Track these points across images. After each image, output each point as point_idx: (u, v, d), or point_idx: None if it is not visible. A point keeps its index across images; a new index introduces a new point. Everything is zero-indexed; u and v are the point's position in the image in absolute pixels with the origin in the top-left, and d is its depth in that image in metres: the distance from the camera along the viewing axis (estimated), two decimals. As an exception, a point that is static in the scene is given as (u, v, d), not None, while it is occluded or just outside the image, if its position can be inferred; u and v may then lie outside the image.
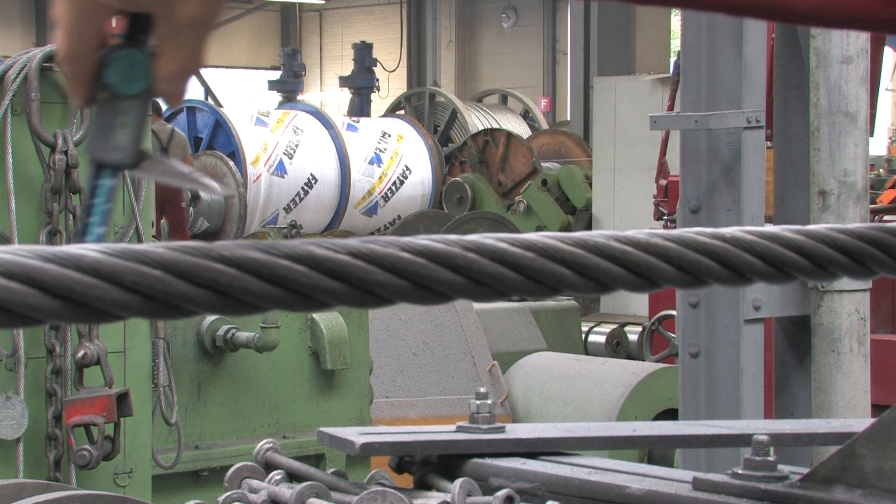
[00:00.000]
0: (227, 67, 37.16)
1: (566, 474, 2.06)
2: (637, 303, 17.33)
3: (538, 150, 22.56)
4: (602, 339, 11.54)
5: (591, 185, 20.43)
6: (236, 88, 36.33)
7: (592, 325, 11.91)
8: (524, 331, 9.37)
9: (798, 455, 4.36)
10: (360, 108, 28.16)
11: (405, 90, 30.10)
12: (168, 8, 1.12)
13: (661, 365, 8.39)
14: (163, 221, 12.81)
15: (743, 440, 2.17)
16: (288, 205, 21.08)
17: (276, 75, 30.75)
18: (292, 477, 2.15)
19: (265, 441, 2.23)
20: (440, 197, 22.12)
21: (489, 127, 24.99)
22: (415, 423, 7.37)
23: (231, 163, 19.85)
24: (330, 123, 22.03)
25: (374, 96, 28.79)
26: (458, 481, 1.97)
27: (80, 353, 5.02)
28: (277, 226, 18.59)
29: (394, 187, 22.38)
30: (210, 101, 27.23)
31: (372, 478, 2.10)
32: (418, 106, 27.07)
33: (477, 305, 8.65)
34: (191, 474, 5.95)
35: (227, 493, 2.12)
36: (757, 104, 4.96)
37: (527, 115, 28.94)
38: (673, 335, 9.07)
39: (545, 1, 33.89)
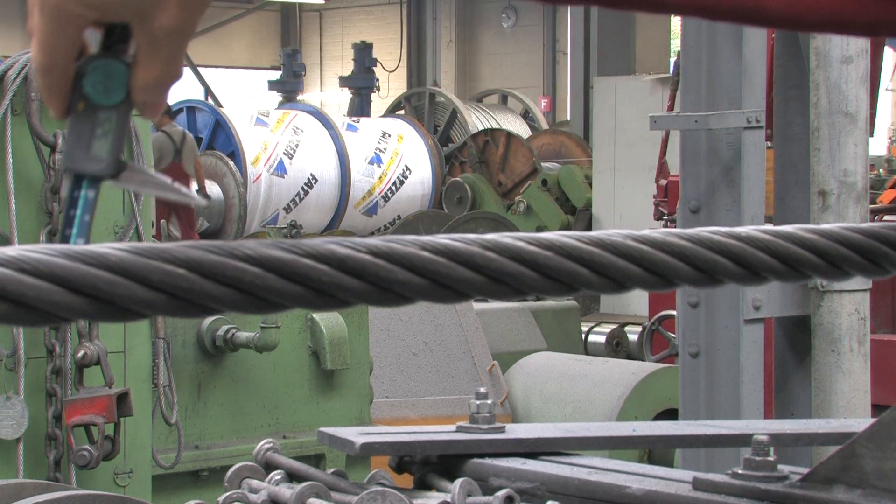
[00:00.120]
0: (227, 67, 37.16)
1: (566, 474, 2.06)
2: (637, 303, 17.33)
3: (538, 150, 22.56)
4: (602, 339, 11.54)
5: (591, 185, 20.44)
6: (236, 88, 36.33)
7: (592, 325, 11.91)
8: (524, 331, 9.37)
9: (798, 455, 4.36)
10: (360, 108, 28.16)
11: (405, 90, 30.10)
12: (145, 18, 1.11)
13: (661, 365, 8.39)
14: (162, 221, 12.81)
15: (743, 440, 2.17)
16: (288, 205, 21.08)
17: (276, 75, 30.74)
18: (292, 477, 2.15)
19: (265, 441, 2.23)
20: (440, 197, 22.12)
21: (489, 127, 24.99)
22: (415, 423, 7.37)
23: (231, 163, 19.86)
24: (330, 123, 22.03)
25: (374, 96, 28.78)
26: (458, 481, 1.97)
27: (80, 353, 5.02)
28: (277, 226, 18.60)
29: (394, 187, 22.39)
30: (210, 101, 27.24)
31: (372, 478, 2.11)
32: (418, 106, 27.07)
33: (477, 305, 8.65)
34: (191, 474, 5.95)
35: (227, 493, 2.12)
36: (757, 104, 4.96)
37: (527, 115, 28.94)
38: (673, 335, 9.06)
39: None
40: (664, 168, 13.07)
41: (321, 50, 38.28)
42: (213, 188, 19.24)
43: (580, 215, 20.47)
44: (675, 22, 22.14)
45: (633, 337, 11.44)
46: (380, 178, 22.28)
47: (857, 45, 4.91)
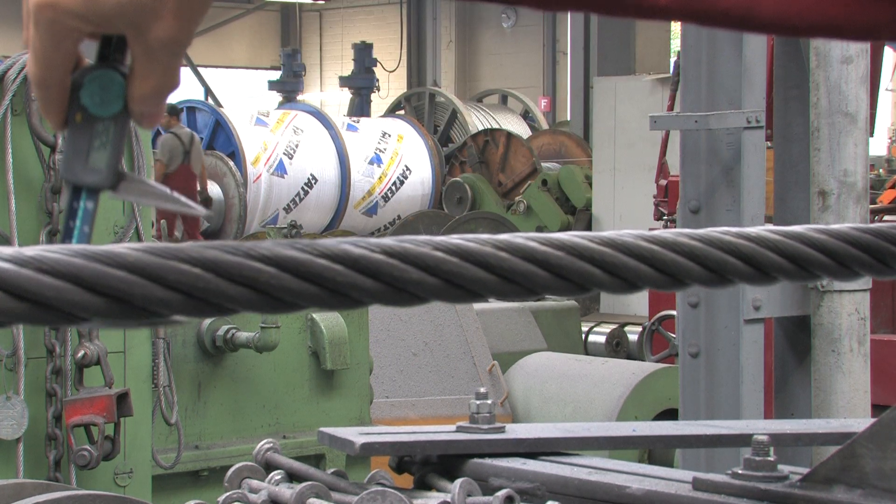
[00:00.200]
0: (227, 67, 37.17)
1: (566, 474, 2.06)
2: (637, 303, 17.33)
3: (538, 150, 22.56)
4: (602, 339, 11.55)
5: (591, 185, 20.44)
6: (236, 88, 36.33)
7: (592, 325, 11.91)
8: (524, 331, 9.37)
9: (798, 455, 4.36)
10: (360, 108, 28.16)
11: (405, 90, 30.10)
12: (141, 30, 1.11)
13: (661, 365, 8.39)
14: (162, 221, 12.82)
15: (743, 440, 2.17)
16: (288, 205, 21.08)
17: (276, 75, 30.75)
18: (292, 477, 2.15)
19: (265, 441, 2.23)
20: (440, 197, 22.13)
21: (489, 127, 25.00)
22: (415, 423, 7.37)
23: (231, 163, 19.86)
24: (330, 123, 22.03)
25: (374, 96, 28.79)
26: (458, 481, 1.97)
27: (80, 353, 5.02)
28: (277, 226, 18.59)
29: (394, 187, 22.39)
30: (210, 101, 27.24)
31: (372, 478, 2.11)
32: (418, 106, 27.07)
33: (477, 305, 8.65)
34: (191, 474, 5.95)
35: (227, 493, 2.12)
36: (757, 104, 4.96)
37: (527, 115, 28.94)
38: (673, 335, 9.07)
39: (545, 1, 33.80)
40: (664, 168, 13.07)
41: (321, 50, 38.29)
42: (213, 188, 19.25)
43: (580, 215, 20.47)
44: (675, 22, 22.09)
45: (633, 337, 11.44)
46: (380, 178, 22.28)
47: (857, 46, 4.91)
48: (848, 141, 4.93)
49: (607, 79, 20.48)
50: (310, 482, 2.05)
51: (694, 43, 5.02)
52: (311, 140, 21.57)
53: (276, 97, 29.66)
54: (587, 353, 10.57)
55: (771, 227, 1.28)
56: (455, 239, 1.13)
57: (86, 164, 1.14)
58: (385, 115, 25.65)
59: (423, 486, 2.14)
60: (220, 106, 23.96)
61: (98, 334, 5.07)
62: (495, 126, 25.51)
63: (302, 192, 21.24)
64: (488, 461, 2.14)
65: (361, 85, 28.32)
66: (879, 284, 7.38)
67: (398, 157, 22.52)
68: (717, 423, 2.38)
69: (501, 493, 1.94)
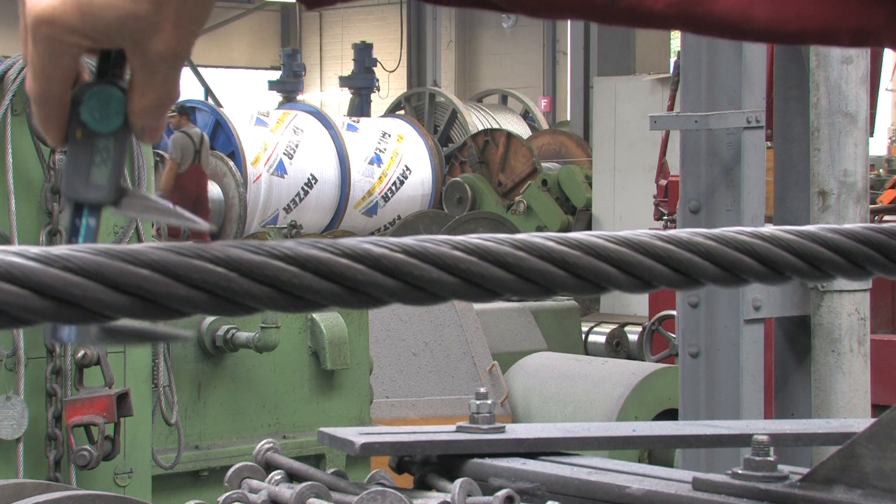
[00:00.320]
0: (227, 67, 37.17)
1: (566, 474, 2.06)
2: (637, 303, 17.33)
3: (538, 150, 22.56)
4: (602, 339, 11.55)
5: (591, 185, 20.44)
6: (236, 88, 36.33)
7: (592, 325, 11.91)
8: (524, 331, 9.37)
9: (798, 455, 4.36)
10: (360, 108, 28.16)
11: (405, 90, 30.11)
12: (140, 44, 1.10)
13: (661, 365, 8.39)
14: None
15: (743, 440, 2.17)
16: (288, 205, 21.08)
17: (276, 75, 30.75)
18: (292, 477, 2.15)
19: (265, 441, 2.23)
20: (440, 197, 22.13)
21: (489, 127, 25.00)
22: (415, 423, 7.37)
23: (231, 163, 19.86)
24: (330, 123, 22.03)
25: (374, 96, 28.79)
26: (458, 481, 1.97)
27: (80, 353, 5.02)
28: (277, 226, 18.59)
29: (394, 187, 22.39)
30: (210, 101, 27.24)
31: (372, 478, 2.11)
32: (418, 106, 27.08)
33: (477, 305, 8.65)
34: (191, 474, 5.95)
35: (227, 493, 2.12)
36: (757, 104, 4.96)
37: (527, 115, 28.94)
38: (673, 335, 9.07)
39: (545, 1, 33.78)
40: (664, 168, 13.07)
41: (321, 50, 38.29)
42: (213, 188, 19.25)
43: (580, 215, 20.47)
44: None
45: (633, 337, 11.44)
46: (380, 178, 22.28)
47: (857, 46, 4.91)
48: (848, 141, 4.93)
49: (607, 79, 20.47)
50: (310, 482, 2.05)
51: (694, 43, 5.02)
52: (311, 140, 21.57)
53: (276, 97, 29.66)
54: (587, 353, 10.57)
55: (785, 227, 1.29)
56: (474, 238, 1.15)
57: (87, 180, 1.13)
58: (385, 115, 25.65)
59: (423, 486, 2.14)
60: (220, 106, 23.96)
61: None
62: (495, 126, 25.51)
63: (302, 192, 21.24)
64: (488, 461, 2.14)
65: (361, 85, 28.32)
66: (879, 284, 7.38)
67: (398, 157, 22.52)
68: (717, 423, 2.38)
69: (501, 493, 1.94)
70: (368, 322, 6.62)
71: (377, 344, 7.72)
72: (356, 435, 2.20)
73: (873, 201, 11.30)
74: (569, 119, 26.44)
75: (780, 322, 5.20)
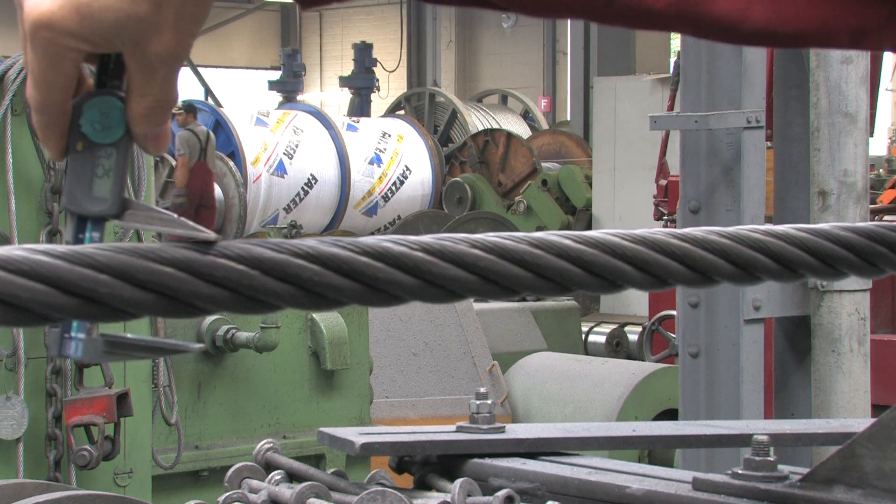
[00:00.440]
0: (227, 67, 37.16)
1: (566, 474, 2.06)
2: (637, 303, 17.33)
3: (538, 150, 22.56)
4: (602, 339, 11.54)
5: (591, 185, 20.44)
6: (236, 88, 36.33)
7: (592, 325, 11.91)
8: (524, 331, 9.37)
9: (798, 455, 4.36)
10: (360, 108, 28.16)
11: (405, 90, 30.10)
12: (139, 45, 1.09)
13: (661, 365, 8.39)
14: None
15: (743, 440, 2.17)
16: (288, 205, 21.08)
17: (276, 75, 30.75)
18: (292, 477, 2.15)
19: (265, 441, 2.23)
20: (440, 197, 22.12)
21: (489, 127, 24.99)
22: (415, 423, 7.37)
23: (231, 163, 19.85)
24: (330, 123, 22.03)
25: (374, 96, 28.78)
26: (458, 481, 1.97)
27: (80, 353, 5.02)
28: (277, 226, 18.59)
29: (394, 187, 22.39)
30: (210, 101, 27.23)
31: (372, 478, 2.10)
32: (418, 106, 27.07)
33: (477, 305, 8.65)
34: (191, 474, 5.95)
35: (227, 493, 2.12)
36: (757, 104, 4.96)
37: (527, 115, 28.94)
38: (673, 335, 9.06)
39: (545, 1, 33.75)
40: (664, 168, 13.06)
41: (321, 50, 38.29)
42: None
43: (580, 215, 20.47)
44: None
45: (633, 337, 11.44)
46: (380, 178, 22.28)
47: (857, 45, 4.91)
48: (848, 141, 4.93)
49: (607, 79, 20.47)
50: (310, 482, 2.05)
51: (694, 43, 5.02)
52: (311, 140, 21.56)
53: (276, 97, 29.66)
54: (587, 353, 10.57)
55: (798, 225, 1.30)
56: (492, 236, 1.16)
57: (89, 193, 1.12)
58: (385, 115, 25.65)
59: (423, 486, 2.14)
60: (219, 106, 23.96)
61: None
62: (495, 126, 25.51)
63: (302, 192, 21.23)
64: (488, 461, 2.14)
65: (361, 85, 28.32)
66: (879, 284, 7.38)
67: (398, 157, 22.51)
68: (717, 423, 2.38)
69: (501, 493, 1.94)
70: (368, 322, 6.62)
71: (377, 344, 7.72)
72: (356, 435, 2.20)
73: (873, 201, 11.30)
74: (569, 119, 26.44)
75: (780, 322, 5.20)
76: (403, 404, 7.89)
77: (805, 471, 1.89)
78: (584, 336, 11.25)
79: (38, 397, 5.08)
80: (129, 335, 1.14)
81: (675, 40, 20.98)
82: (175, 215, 1.15)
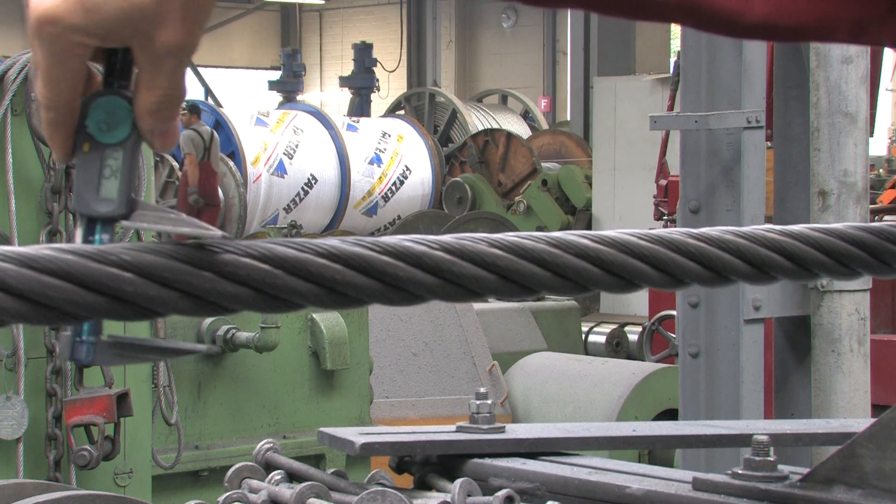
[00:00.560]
0: (227, 67, 37.16)
1: (566, 474, 2.06)
2: (637, 303, 17.33)
3: (538, 150, 22.56)
4: (602, 339, 11.54)
5: (591, 185, 20.44)
6: (236, 88, 36.33)
7: (592, 325, 11.91)
8: (524, 331, 9.37)
9: (798, 455, 4.36)
10: (360, 108, 28.16)
11: (405, 90, 30.10)
12: (147, 37, 1.08)
13: (661, 365, 8.39)
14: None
15: (743, 440, 2.17)
16: (288, 205, 21.08)
17: (276, 75, 30.75)
18: (292, 477, 2.15)
19: (265, 441, 2.22)
20: (440, 197, 22.12)
21: (489, 127, 24.99)
22: (415, 423, 7.37)
23: (231, 163, 19.85)
24: (330, 123, 22.03)
25: (374, 96, 28.79)
26: (458, 481, 1.97)
27: (80, 353, 5.02)
28: (277, 226, 18.60)
29: (394, 187, 22.38)
30: (210, 101, 27.24)
31: (372, 478, 2.10)
32: (418, 106, 27.07)
33: (477, 305, 8.65)
34: (191, 474, 5.95)
35: (227, 493, 2.12)
36: (757, 104, 4.96)
37: (527, 115, 28.94)
38: (673, 335, 9.06)
39: (545, 1, 33.76)
40: (664, 168, 13.06)
41: (321, 50, 38.29)
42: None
43: (580, 215, 20.47)
44: (672, 23, 22.05)
45: (633, 337, 11.44)
46: (380, 178, 22.28)
47: (857, 45, 4.91)
48: (848, 141, 4.92)
49: (607, 79, 20.47)
50: (310, 482, 2.05)
51: (694, 43, 5.02)
52: (311, 140, 21.56)
53: (276, 97, 29.67)
54: (587, 353, 10.57)
55: (812, 225, 1.31)
56: (511, 236, 1.17)
57: (97, 194, 1.11)
58: (385, 115, 25.65)
59: (423, 486, 2.14)
60: (219, 106, 23.96)
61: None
62: (495, 126, 25.51)
63: (302, 192, 21.24)
64: (488, 461, 2.14)
65: (361, 85, 28.32)
66: (879, 284, 7.38)
67: (398, 157, 22.51)
68: (717, 423, 2.38)
69: (501, 493, 1.94)
70: (368, 322, 6.62)
71: (377, 344, 7.71)
72: (356, 435, 2.20)
73: (873, 201, 11.30)
74: (569, 119, 26.43)
75: (780, 322, 5.20)
76: (403, 404, 7.89)
77: (805, 471, 1.89)
78: (584, 336, 11.25)
79: (38, 397, 5.08)
80: (137, 337, 1.14)
81: (676, 40, 20.99)
82: (183, 214, 1.15)
